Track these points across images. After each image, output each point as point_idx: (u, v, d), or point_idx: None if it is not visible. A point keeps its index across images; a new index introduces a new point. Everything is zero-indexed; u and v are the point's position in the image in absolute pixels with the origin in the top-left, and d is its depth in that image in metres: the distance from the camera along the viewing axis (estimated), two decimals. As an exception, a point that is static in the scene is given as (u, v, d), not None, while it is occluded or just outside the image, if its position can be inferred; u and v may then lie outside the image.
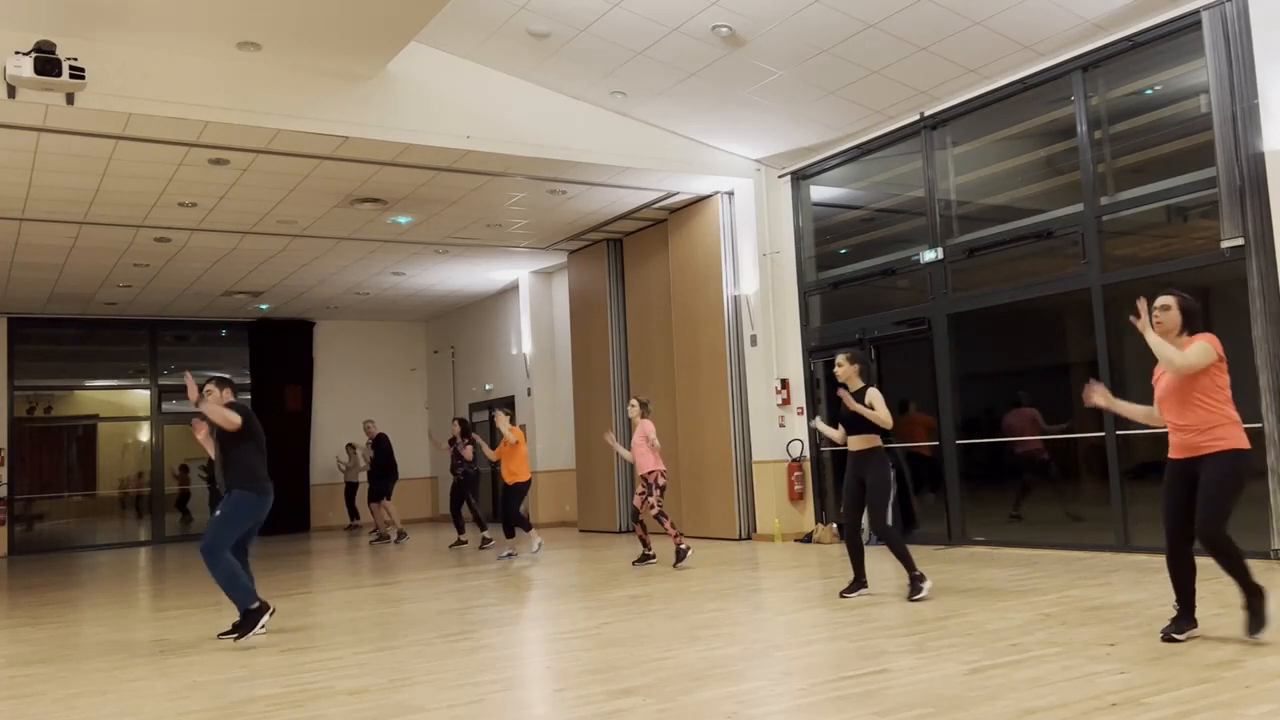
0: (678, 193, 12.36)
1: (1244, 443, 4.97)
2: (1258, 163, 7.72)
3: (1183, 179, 8.49)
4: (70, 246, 12.66)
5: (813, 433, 11.61)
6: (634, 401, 10.21)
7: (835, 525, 11.30)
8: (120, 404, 19.13)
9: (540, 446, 16.45)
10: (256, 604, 6.74)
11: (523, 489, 11.46)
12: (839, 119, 10.78)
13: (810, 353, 11.94)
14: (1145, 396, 5.42)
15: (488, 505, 17.14)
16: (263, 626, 6.72)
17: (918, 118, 10.46)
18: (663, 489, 9.95)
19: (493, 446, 12.00)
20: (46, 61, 7.60)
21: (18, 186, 10.22)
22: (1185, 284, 5.18)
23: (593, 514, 14.83)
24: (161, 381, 18.46)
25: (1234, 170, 7.77)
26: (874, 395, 7.10)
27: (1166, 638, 5.03)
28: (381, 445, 15.08)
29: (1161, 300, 5.11)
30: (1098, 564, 8.19)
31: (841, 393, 7.22)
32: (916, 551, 7.23)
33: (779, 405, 11.97)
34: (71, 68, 7.69)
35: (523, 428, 12.01)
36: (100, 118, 8.56)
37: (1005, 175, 10.53)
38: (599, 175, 11.30)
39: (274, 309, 18.17)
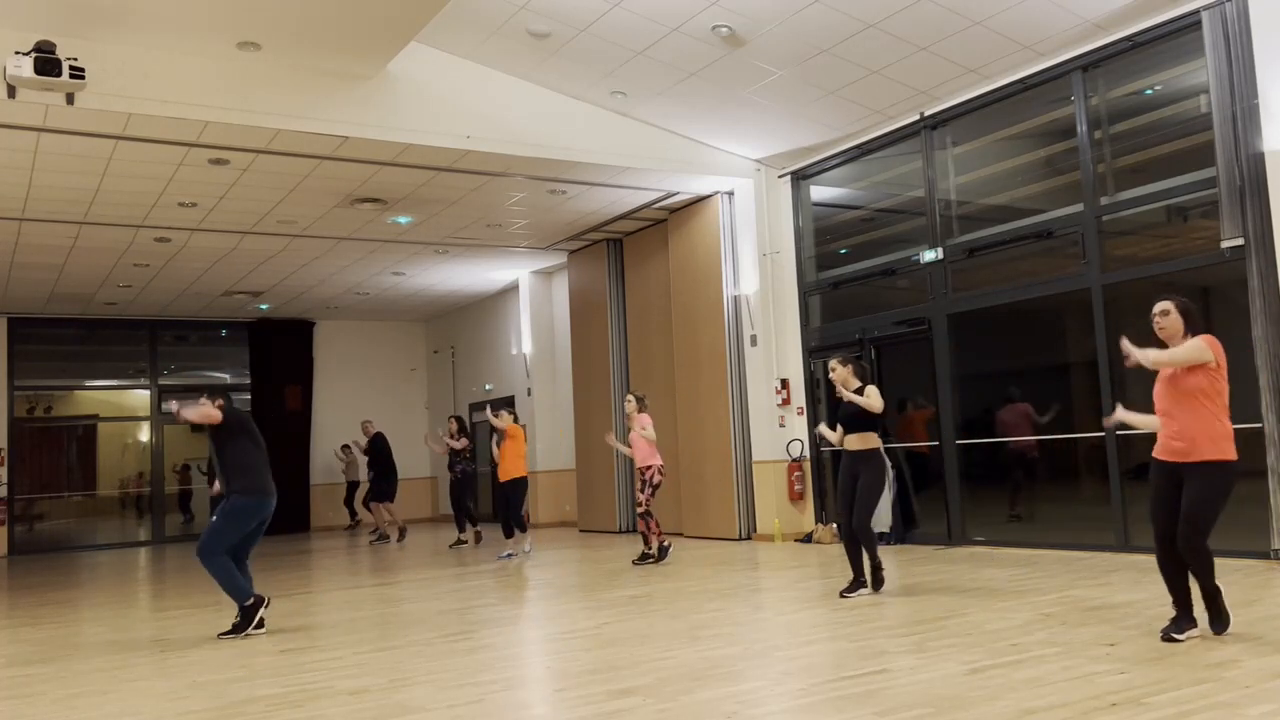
0: (678, 193, 12.36)
1: (1233, 455, 4.98)
2: (1258, 163, 7.72)
3: (1183, 179, 8.49)
4: (70, 246, 12.66)
5: (812, 428, 11.60)
6: (630, 397, 10.23)
7: (835, 525, 11.30)
8: (120, 404, 19.14)
9: (540, 446, 16.45)
10: (252, 599, 6.79)
11: (522, 487, 11.44)
12: (839, 119, 10.78)
13: (810, 353, 11.94)
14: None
15: (486, 505, 17.14)
16: (261, 621, 6.76)
17: (918, 118, 10.46)
18: (656, 487, 9.94)
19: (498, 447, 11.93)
20: (46, 61, 7.60)
21: (18, 186, 10.23)
22: (1185, 284, 5.18)
23: (593, 514, 14.83)
24: (161, 381, 18.47)
25: (1234, 170, 7.77)
26: (871, 389, 7.12)
27: (1166, 638, 5.03)
28: (378, 445, 15.05)
29: (1160, 306, 5.10)
30: (1098, 564, 8.19)
31: (841, 390, 7.23)
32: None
33: (779, 405, 11.97)
34: (71, 68, 7.69)
35: (523, 427, 11.97)
36: (100, 118, 8.56)
37: (1005, 175, 10.53)
38: (599, 175, 11.30)
39: (274, 309, 18.17)
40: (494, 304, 18.44)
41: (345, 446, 17.93)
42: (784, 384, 12.01)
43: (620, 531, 14.09)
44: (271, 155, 9.84)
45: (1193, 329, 5.05)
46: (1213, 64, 7.89)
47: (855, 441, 7.19)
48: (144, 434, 18.66)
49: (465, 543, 13.23)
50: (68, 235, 12.13)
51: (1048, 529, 10.14)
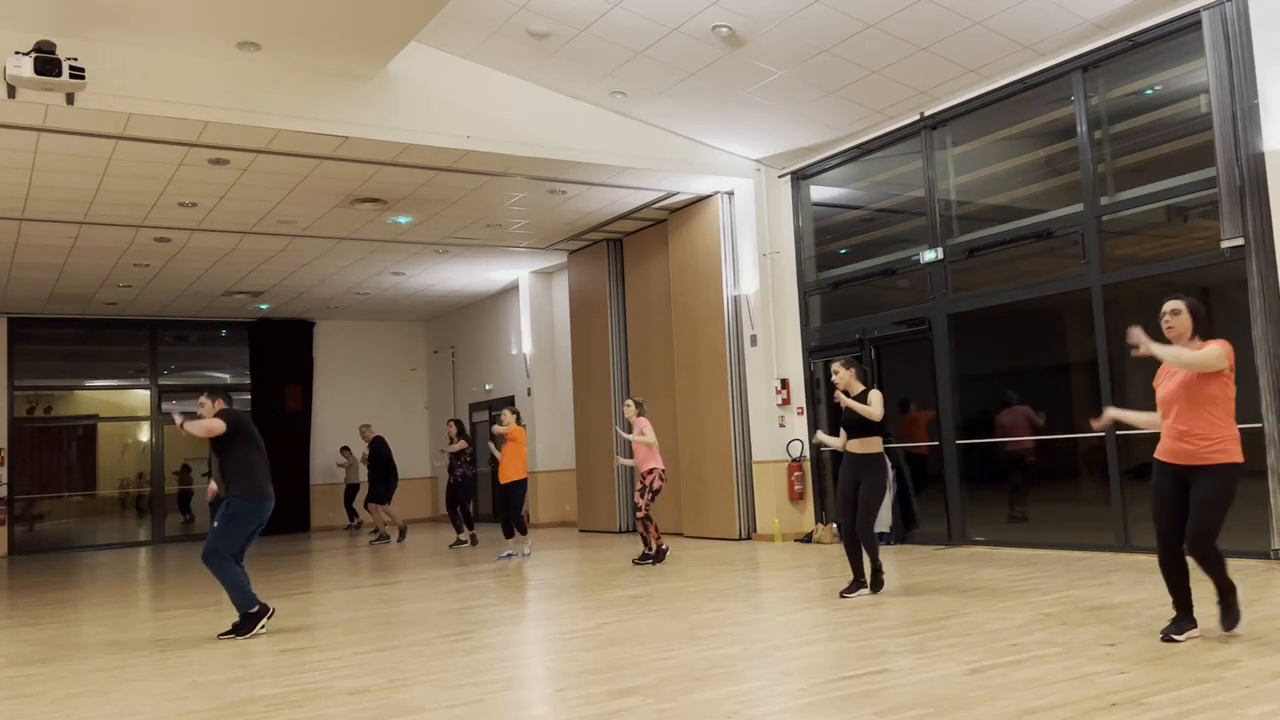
0: (678, 193, 12.36)
1: (1241, 457, 4.99)
2: (1258, 163, 7.72)
3: (1183, 179, 8.49)
4: (70, 246, 12.66)
5: (812, 428, 11.59)
6: (629, 402, 10.27)
7: (835, 525, 11.30)
8: (120, 404, 19.14)
9: (540, 446, 16.45)
10: (257, 608, 6.78)
11: (522, 489, 11.44)
12: (839, 119, 10.78)
13: (810, 353, 11.94)
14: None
15: (486, 507, 17.14)
16: (262, 628, 6.76)
17: (918, 118, 10.46)
18: (656, 492, 9.95)
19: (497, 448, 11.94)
20: (46, 61, 7.60)
21: (18, 186, 10.23)
22: (1185, 284, 5.18)
23: (593, 514, 14.83)
24: (162, 381, 18.47)
25: (1234, 170, 7.77)
26: (874, 395, 7.13)
27: (1166, 638, 5.03)
28: (378, 449, 15.04)
29: (1171, 305, 5.07)
30: (1098, 564, 8.19)
31: (840, 396, 7.24)
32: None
33: (779, 405, 11.97)
34: (71, 68, 7.69)
35: (524, 427, 11.96)
36: (100, 118, 8.56)
37: (1005, 175, 10.53)
38: (599, 175, 11.30)
39: (274, 309, 18.17)
40: (494, 304, 18.44)
41: (345, 448, 17.92)
42: (784, 384, 12.01)
43: (620, 531, 14.09)
44: (271, 155, 9.84)
45: (1200, 330, 5.05)
46: (1213, 64, 7.89)
47: (858, 446, 7.20)
48: (144, 434, 18.66)
49: (465, 543, 13.22)
50: (68, 235, 12.14)
51: (1048, 529, 10.14)
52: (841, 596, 7.12)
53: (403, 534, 14.92)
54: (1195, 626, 5.09)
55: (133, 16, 8.02)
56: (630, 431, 10.11)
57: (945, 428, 10.37)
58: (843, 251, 12.16)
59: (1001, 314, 10.06)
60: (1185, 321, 5.04)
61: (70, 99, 8.04)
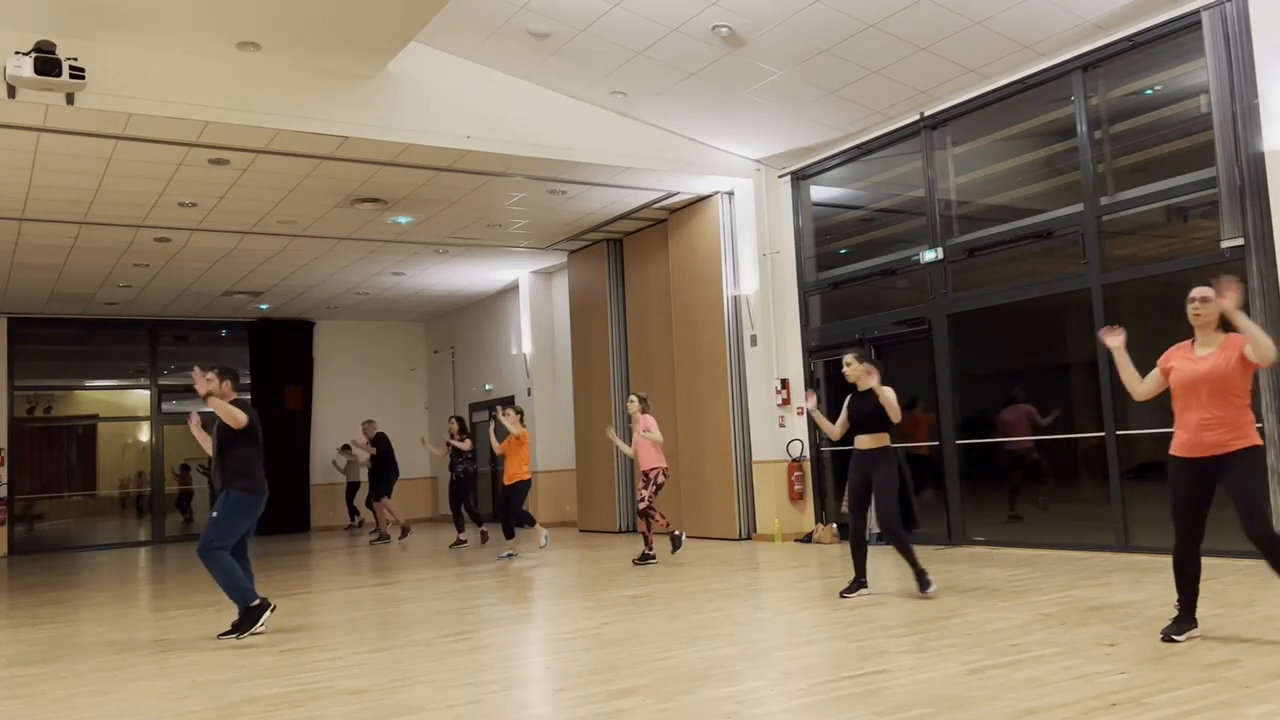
0: (678, 193, 12.36)
1: (1260, 439, 5.03)
2: (1258, 163, 7.72)
3: (1183, 179, 8.49)
4: (70, 246, 12.66)
5: (812, 428, 11.60)
6: (633, 397, 10.24)
7: (835, 525, 11.31)
8: (120, 404, 19.14)
9: (540, 446, 16.44)
10: (257, 601, 6.75)
11: (523, 489, 11.45)
12: (839, 119, 10.78)
13: (810, 353, 11.94)
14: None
15: (487, 506, 17.14)
16: (263, 624, 6.74)
17: (918, 118, 10.46)
18: (659, 487, 9.98)
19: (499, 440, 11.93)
20: (46, 61, 7.60)
21: (18, 186, 10.22)
22: (1185, 284, 5.15)
23: (593, 514, 14.83)
24: (161, 381, 18.45)
25: (1234, 170, 7.77)
26: (889, 392, 7.03)
27: (1166, 638, 5.03)
28: (381, 445, 15.10)
29: (1200, 292, 5.01)
30: (1098, 564, 8.19)
31: (865, 380, 7.08)
32: (916, 551, 7.21)
33: (779, 405, 11.97)
34: (71, 68, 7.69)
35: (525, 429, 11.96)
36: (100, 118, 8.56)
37: (1005, 175, 10.53)
38: (599, 175, 11.30)
39: (274, 309, 18.17)
40: (494, 304, 18.44)
41: (345, 446, 17.91)
42: (784, 384, 12.01)
43: (620, 531, 14.09)
44: (271, 155, 9.84)
45: (1222, 324, 5.05)
46: (1213, 64, 7.89)
47: (868, 441, 7.10)
48: (144, 434, 18.65)
49: (465, 542, 13.23)
50: (68, 235, 12.13)
51: (1048, 529, 10.14)
52: (842, 596, 7.11)
53: (405, 532, 14.93)
54: (1196, 626, 5.09)
55: (133, 16, 8.02)
56: (630, 431, 10.10)
57: (945, 428, 10.37)
58: (843, 251, 12.16)
59: (1001, 314, 10.06)
60: (1214, 309, 4.98)
61: (70, 99, 8.04)
